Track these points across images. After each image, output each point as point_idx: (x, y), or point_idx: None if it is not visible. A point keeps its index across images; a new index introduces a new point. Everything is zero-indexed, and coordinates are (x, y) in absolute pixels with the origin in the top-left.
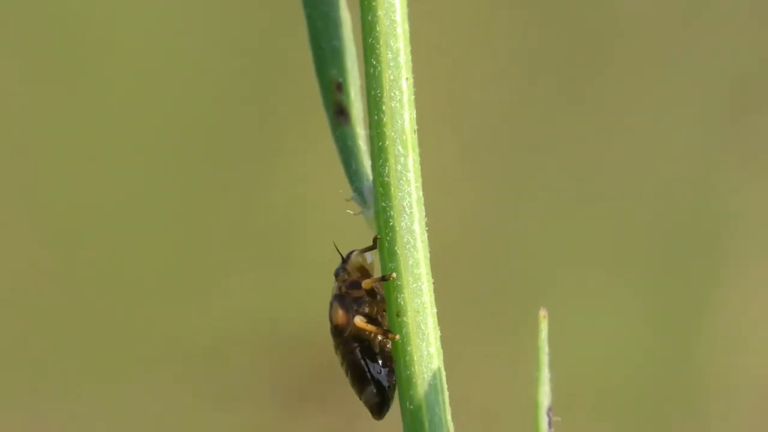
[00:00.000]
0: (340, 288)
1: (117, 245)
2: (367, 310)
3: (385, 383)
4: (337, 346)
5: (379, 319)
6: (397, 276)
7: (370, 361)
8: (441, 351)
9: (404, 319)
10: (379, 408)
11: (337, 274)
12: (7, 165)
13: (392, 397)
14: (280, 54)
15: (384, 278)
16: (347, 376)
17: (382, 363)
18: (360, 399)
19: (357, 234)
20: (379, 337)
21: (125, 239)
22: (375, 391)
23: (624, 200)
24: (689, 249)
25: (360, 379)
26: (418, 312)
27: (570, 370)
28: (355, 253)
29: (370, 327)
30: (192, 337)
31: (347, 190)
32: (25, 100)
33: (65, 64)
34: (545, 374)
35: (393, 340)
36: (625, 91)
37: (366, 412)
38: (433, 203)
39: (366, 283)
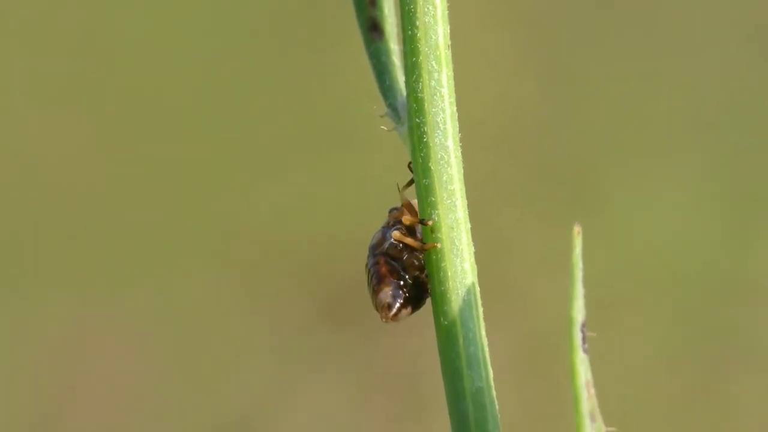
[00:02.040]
0: (388, 222)
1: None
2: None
3: (404, 289)
4: (367, 261)
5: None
6: (431, 192)
7: (394, 270)
8: (475, 266)
9: (438, 235)
10: (388, 307)
11: (390, 211)
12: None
13: (404, 305)
14: None
15: (423, 222)
16: (368, 279)
17: (409, 276)
18: (373, 301)
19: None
20: (415, 253)
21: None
22: (391, 293)
23: (684, 92)
24: (755, 140)
25: (379, 280)
26: (452, 228)
27: (634, 259)
28: (410, 199)
29: (408, 240)
30: (237, 231)
31: (381, 106)
32: None
33: None
34: (579, 290)
35: (434, 249)
36: None
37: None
38: (489, 94)
39: (406, 220)
